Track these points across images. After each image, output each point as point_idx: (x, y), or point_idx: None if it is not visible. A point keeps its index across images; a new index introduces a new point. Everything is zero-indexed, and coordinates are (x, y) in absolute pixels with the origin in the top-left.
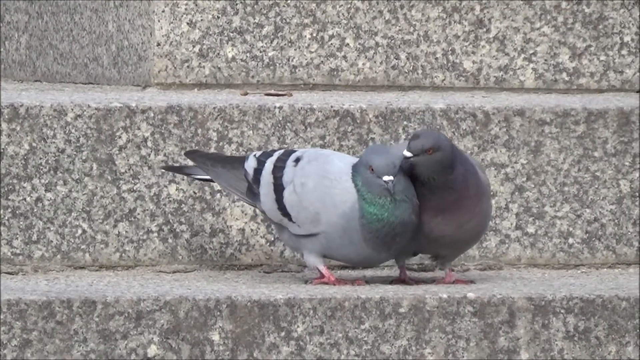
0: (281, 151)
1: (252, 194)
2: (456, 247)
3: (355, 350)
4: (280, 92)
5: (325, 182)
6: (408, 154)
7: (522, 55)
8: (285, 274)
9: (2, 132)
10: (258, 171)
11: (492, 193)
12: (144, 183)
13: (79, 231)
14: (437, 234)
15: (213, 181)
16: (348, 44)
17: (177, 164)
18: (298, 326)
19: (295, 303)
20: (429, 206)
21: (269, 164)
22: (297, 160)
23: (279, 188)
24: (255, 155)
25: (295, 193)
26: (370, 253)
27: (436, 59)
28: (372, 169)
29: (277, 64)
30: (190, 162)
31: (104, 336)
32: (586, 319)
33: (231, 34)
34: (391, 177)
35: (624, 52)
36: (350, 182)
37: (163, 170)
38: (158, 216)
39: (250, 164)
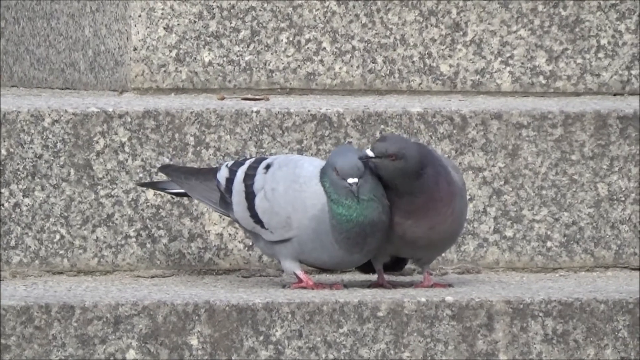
0: (252, 159)
1: (225, 203)
2: (431, 248)
3: (333, 354)
4: (257, 97)
5: (295, 187)
6: (370, 154)
7: (499, 59)
8: (263, 278)
9: None
10: (230, 181)
11: (469, 197)
12: (122, 188)
13: (57, 236)
14: (410, 236)
15: (187, 195)
16: (325, 48)
17: (156, 180)
18: (276, 330)
19: (274, 307)
20: (398, 208)
21: (240, 173)
22: (268, 167)
23: (250, 196)
24: (227, 165)
25: (266, 199)
26: (342, 255)
27: (413, 62)
28: (337, 171)
29: (254, 69)
30: (164, 177)
31: (82, 341)
32: (564, 322)
33: (208, 39)
34: (355, 180)
35: (600, 55)
36: (319, 185)
37: (141, 176)
38: (136, 221)
39: (222, 174)
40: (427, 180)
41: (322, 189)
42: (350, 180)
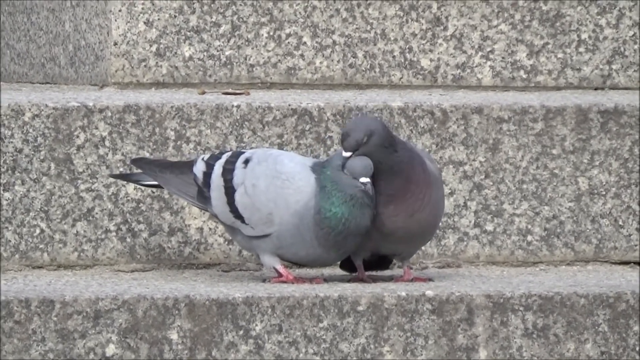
0: (229, 153)
1: (203, 197)
2: (411, 241)
3: (313, 348)
4: (237, 91)
5: (277, 183)
6: (347, 154)
7: (480, 53)
8: (243, 272)
9: None
10: (207, 175)
11: (450, 191)
12: (102, 182)
13: (37, 231)
14: (390, 227)
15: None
16: (305, 43)
17: (127, 171)
18: (256, 325)
19: (254, 302)
20: (379, 194)
21: (218, 167)
22: (247, 161)
23: (229, 191)
24: (203, 159)
25: (247, 195)
26: (320, 252)
27: (394, 57)
28: (347, 170)
29: (235, 63)
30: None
31: (62, 335)
32: (545, 316)
33: (188, 33)
34: (368, 180)
35: (581, 49)
36: (303, 181)
37: (122, 170)
38: (116, 215)
39: (199, 168)
40: (402, 157)
41: (307, 185)
42: (363, 180)
